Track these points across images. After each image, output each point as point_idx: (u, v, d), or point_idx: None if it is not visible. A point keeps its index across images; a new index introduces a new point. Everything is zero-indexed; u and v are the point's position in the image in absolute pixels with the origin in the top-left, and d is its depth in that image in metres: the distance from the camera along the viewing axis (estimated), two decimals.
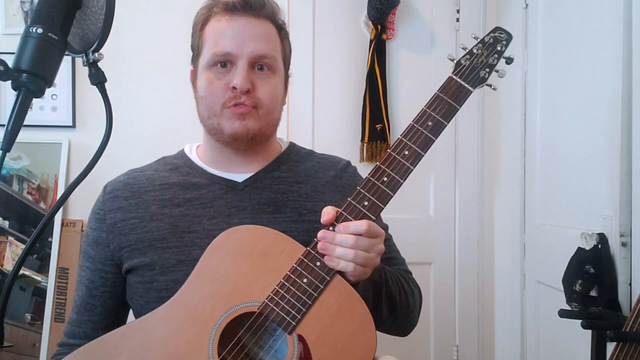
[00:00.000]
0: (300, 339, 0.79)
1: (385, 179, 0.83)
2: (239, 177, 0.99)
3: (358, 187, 0.83)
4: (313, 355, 0.78)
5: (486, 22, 2.20)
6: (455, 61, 0.86)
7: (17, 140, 0.69)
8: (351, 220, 0.82)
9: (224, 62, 0.94)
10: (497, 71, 0.86)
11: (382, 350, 0.85)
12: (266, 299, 0.80)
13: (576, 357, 1.53)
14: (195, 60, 1.00)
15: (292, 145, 1.09)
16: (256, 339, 0.84)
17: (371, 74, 2.13)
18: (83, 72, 0.83)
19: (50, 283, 2.04)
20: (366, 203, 0.82)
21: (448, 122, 0.84)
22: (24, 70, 0.68)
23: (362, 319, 0.80)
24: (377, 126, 2.13)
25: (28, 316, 2.03)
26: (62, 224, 2.10)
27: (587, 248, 1.37)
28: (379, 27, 2.11)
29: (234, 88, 0.91)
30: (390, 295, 0.95)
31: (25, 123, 0.69)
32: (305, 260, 0.81)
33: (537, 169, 1.85)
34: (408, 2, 2.19)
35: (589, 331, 1.22)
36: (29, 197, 2.10)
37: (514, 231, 1.99)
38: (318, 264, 0.81)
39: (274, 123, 1.00)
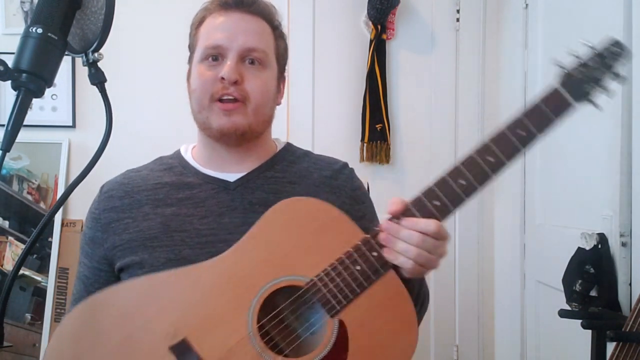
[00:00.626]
0: (341, 324, 0.77)
1: (462, 181, 0.77)
2: (232, 176, 0.99)
3: (431, 184, 0.78)
4: (350, 343, 0.77)
5: (486, 22, 2.20)
6: (565, 70, 0.77)
7: (17, 140, 0.69)
8: (417, 217, 0.78)
9: (215, 56, 0.95)
10: (606, 90, 0.76)
11: None
12: (315, 277, 0.78)
13: (576, 357, 1.53)
14: (190, 57, 1.01)
15: (288, 146, 1.09)
16: (296, 312, 0.83)
17: (371, 74, 2.13)
18: (83, 72, 0.83)
19: (50, 283, 2.04)
20: (437, 203, 0.78)
21: (542, 135, 0.76)
22: (23, 70, 0.68)
23: (407, 319, 0.78)
24: (377, 126, 2.13)
25: (28, 316, 2.03)
26: (62, 224, 2.10)
27: (587, 248, 1.37)
28: (379, 27, 2.11)
29: (223, 79, 0.92)
30: (420, 296, 0.95)
31: (25, 123, 0.70)
32: (363, 247, 0.78)
33: (537, 169, 1.85)
34: (408, 2, 2.19)
35: (589, 331, 1.22)
36: (29, 197, 2.10)
37: (514, 231, 1.99)
38: (375, 254, 0.78)
39: (265, 120, 0.99)
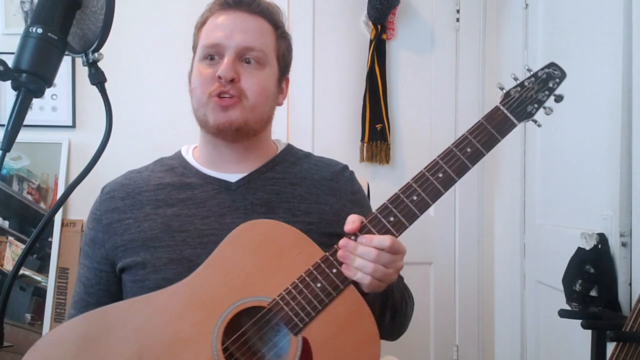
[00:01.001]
0: (305, 342, 0.79)
1: (414, 197, 0.82)
2: (233, 177, 0.99)
3: (386, 202, 0.82)
4: (314, 359, 0.78)
5: (486, 22, 2.21)
6: (504, 91, 0.84)
7: (17, 140, 0.69)
8: (374, 233, 0.82)
9: (213, 55, 0.95)
10: (544, 108, 0.84)
11: (383, 350, 0.85)
12: (277, 296, 0.80)
13: (576, 357, 1.53)
14: (193, 59, 1.02)
15: (289, 147, 1.09)
16: (260, 333, 0.84)
17: (371, 73, 2.13)
18: (83, 72, 0.83)
19: (50, 283, 2.04)
20: (392, 219, 0.82)
21: (487, 152, 0.82)
22: (24, 70, 0.68)
23: (368, 332, 0.80)
24: (377, 126, 2.13)
25: (28, 316, 2.03)
26: (62, 224, 2.10)
27: (587, 248, 1.37)
28: (379, 27, 2.11)
29: (220, 77, 0.92)
30: (394, 305, 0.96)
31: (25, 123, 0.70)
32: (323, 265, 0.81)
33: (537, 169, 1.85)
34: (408, 2, 2.19)
35: (589, 331, 1.22)
36: (29, 197, 2.10)
37: (514, 231, 1.99)
38: (334, 270, 0.81)
39: (263, 118, 0.99)
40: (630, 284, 1.30)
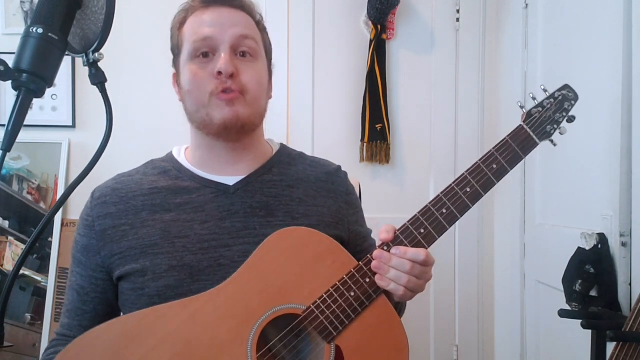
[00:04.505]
0: (337, 350, 0.80)
1: (444, 211, 0.85)
2: (230, 180, 0.97)
3: (417, 214, 0.85)
4: None
5: (486, 22, 2.20)
6: (526, 111, 0.88)
7: (17, 140, 0.69)
8: (406, 244, 0.85)
9: (206, 52, 0.93)
10: (560, 128, 0.89)
11: None
12: (312, 304, 0.82)
13: (576, 357, 1.53)
14: (176, 60, 0.99)
15: (283, 148, 1.08)
16: (295, 340, 0.84)
17: (371, 74, 2.13)
18: (83, 72, 0.83)
19: (50, 283, 2.04)
20: (422, 231, 0.85)
21: (511, 169, 0.86)
22: (24, 70, 0.68)
23: (399, 341, 0.82)
24: (377, 126, 2.13)
25: (28, 316, 2.03)
26: (62, 224, 2.10)
27: (587, 248, 1.37)
28: (379, 27, 2.11)
29: (219, 73, 0.90)
30: (401, 310, 0.99)
31: (25, 123, 0.69)
32: (357, 274, 0.83)
33: (537, 169, 1.85)
34: (408, 2, 2.19)
35: (589, 331, 1.22)
36: (29, 197, 2.10)
37: (514, 231, 1.99)
38: (367, 280, 0.83)
39: (261, 112, 0.98)
40: (630, 284, 1.30)
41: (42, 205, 2.10)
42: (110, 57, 0.87)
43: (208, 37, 0.92)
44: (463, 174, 0.85)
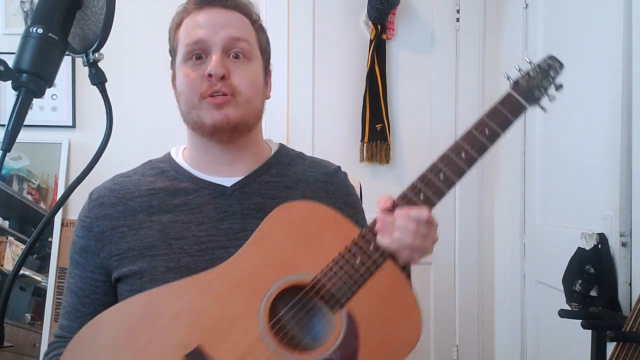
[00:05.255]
0: (349, 316, 0.81)
1: (441, 176, 0.85)
2: (228, 181, 0.97)
3: (415, 181, 0.85)
4: (360, 331, 0.80)
5: (486, 22, 2.20)
6: (512, 80, 0.90)
7: (17, 140, 0.69)
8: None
9: (199, 54, 0.93)
10: (548, 95, 0.91)
11: None
12: (320, 273, 0.82)
13: (576, 357, 1.53)
14: (173, 61, 0.99)
15: (281, 148, 1.07)
16: (304, 309, 0.84)
17: (371, 74, 2.13)
18: (83, 72, 0.83)
19: (50, 283, 2.04)
20: (422, 196, 0.85)
21: (503, 133, 0.88)
22: (24, 70, 0.68)
23: (409, 303, 0.83)
24: (377, 126, 2.13)
25: (28, 316, 2.03)
26: (62, 224, 2.10)
27: (587, 248, 1.37)
28: (379, 27, 2.11)
29: (210, 76, 0.90)
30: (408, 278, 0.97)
31: (25, 123, 0.69)
32: (361, 241, 0.83)
33: (537, 169, 1.85)
34: (408, 2, 2.19)
35: (589, 331, 1.22)
36: (29, 197, 2.10)
37: (514, 231, 1.99)
38: (372, 246, 0.83)
39: (256, 113, 0.97)
40: (630, 284, 1.30)
41: (42, 205, 2.10)
42: (110, 57, 0.87)
43: (200, 39, 0.92)
44: (455, 141, 0.86)
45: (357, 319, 0.81)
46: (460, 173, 0.86)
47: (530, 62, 0.91)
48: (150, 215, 0.94)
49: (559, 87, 0.91)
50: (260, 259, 0.84)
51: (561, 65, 0.91)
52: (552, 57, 0.91)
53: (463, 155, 0.86)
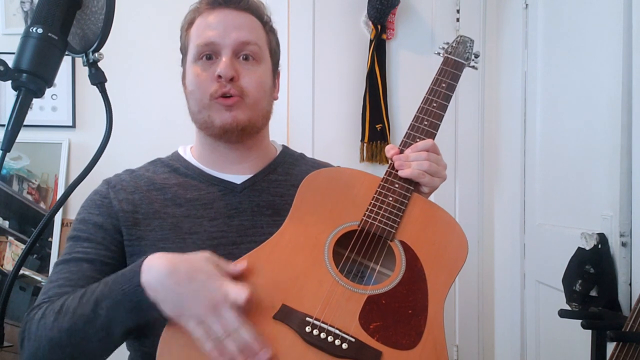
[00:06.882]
0: (403, 243, 0.90)
1: (426, 122, 1.01)
2: (236, 178, 0.99)
3: (407, 130, 1.00)
4: (418, 254, 0.90)
5: (486, 22, 2.20)
6: (443, 53, 1.13)
7: (17, 140, 0.69)
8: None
9: (209, 55, 0.95)
10: (473, 58, 1.14)
11: None
12: (364, 216, 0.91)
13: (576, 357, 1.53)
14: (183, 59, 1.01)
15: (285, 148, 1.11)
16: (362, 250, 0.92)
17: (371, 74, 2.13)
18: (83, 72, 0.83)
19: None
20: (417, 140, 0.99)
21: (456, 83, 1.08)
22: (24, 70, 0.68)
23: (447, 220, 0.97)
24: (377, 126, 2.13)
25: None
26: (62, 224, 2.10)
27: (587, 248, 1.37)
28: (379, 27, 2.11)
29: (219, 77, 0.92)
30: None
31: (25, 123, 0.70)
32: (386, 184, 0.95)
33: (537, 169, 1.85)
34: (408, 2, 2.19)
35: (589, 331, 1.22)
36: (29, 197, 2.10)
37: (514, 231, 1.99)
38: (397, 185, 0.95)
39: (264, 114, 0.99)
40: (630, 284, 1.29)
41: (42, 205, 2.10)
42: (110, 57, 0.88)
43: (211, 41, 0.94)
44: (424, 96, 1.05)
45: (411, 244, 0.91)
46: (439, 117, 1.02)
47: (446, 43, 1.15)
48: (165, 207, 0.95)
49: (477, 55, 1.14)
50: (306, 222, 0.92)
51: (471, 40, 1.14)
52: (460, 36, 1.13)
53: (435, 104, 1.03)
